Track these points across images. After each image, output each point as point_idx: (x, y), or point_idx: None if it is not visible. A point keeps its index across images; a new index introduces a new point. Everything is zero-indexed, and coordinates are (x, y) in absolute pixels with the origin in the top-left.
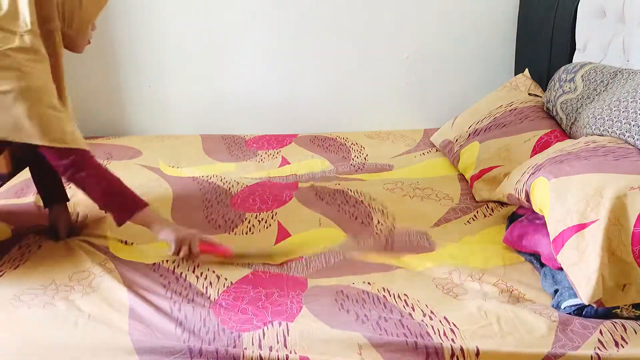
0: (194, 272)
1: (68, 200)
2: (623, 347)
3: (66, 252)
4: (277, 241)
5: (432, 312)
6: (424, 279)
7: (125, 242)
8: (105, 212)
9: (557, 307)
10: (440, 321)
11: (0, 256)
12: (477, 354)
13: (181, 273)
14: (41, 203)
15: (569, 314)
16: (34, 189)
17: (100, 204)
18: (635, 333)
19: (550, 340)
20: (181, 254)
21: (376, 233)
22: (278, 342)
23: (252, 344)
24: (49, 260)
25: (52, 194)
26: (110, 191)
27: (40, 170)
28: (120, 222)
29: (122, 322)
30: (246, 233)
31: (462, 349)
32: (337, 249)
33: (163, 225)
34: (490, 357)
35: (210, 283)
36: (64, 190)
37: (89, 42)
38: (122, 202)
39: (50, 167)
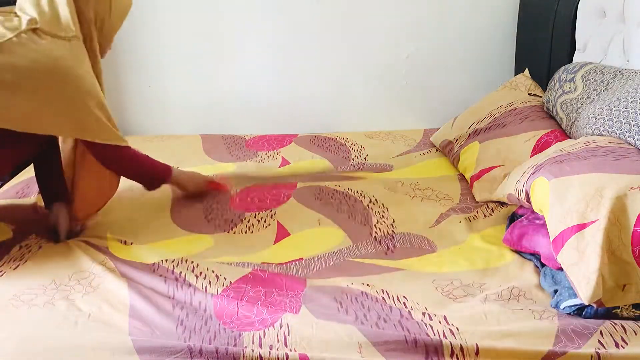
0: (193, 271)
1: (71, 201)
2: (623, 347)
3: (66, 252)
4: (276, 240)
5: (431, 313)
6: (423, 281)
7: (125, 242)
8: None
9: (556, 307)
10: (439, 322)
11: (1, 256)
12: (477, 352)
13: (180, 272)
14: (42, 203)
15: (569, 314)
16: (35, 189)
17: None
18: (635, 334)
19: (550, 340)
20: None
21: (375, 238)
22: (278, 341)
23: (252, 343)
24: (49, 260)
25: (54, 193)
26: (142, 172)
27: (44, 169)
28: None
29: (122, 322)
30: (245, 232)
31: (461, 347)
32: None
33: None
34: (490, 355)
35: (210, 282)
36: (67, 191)
37: (110, 48)
38: (152, 178)
39: (54, 167)
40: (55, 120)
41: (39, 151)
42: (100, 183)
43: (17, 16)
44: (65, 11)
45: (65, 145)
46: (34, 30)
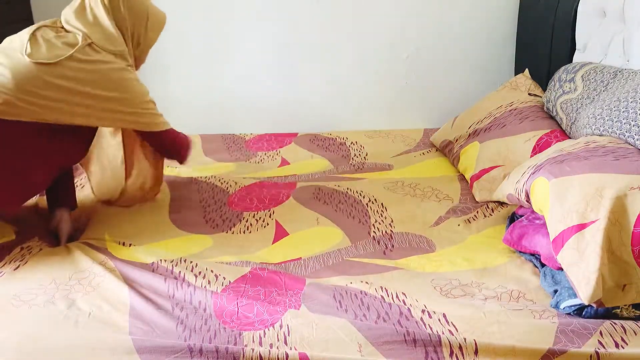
0: (192, 271)
1: (75, 207)
2: (623, 347)
3: (66, 253)
4: (275, 240)
5: (431, 312)
6: (422, 280)
7: (124, 244)
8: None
9: (556, 307)
10: (439, 320)
11: (2, 257)
12: (476, 351)
13: (180, 272)
14: (42, 204)
15: (569, 314)
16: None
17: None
18: (635, 334)
19: (549, 340)
20: None
21: (373, 238)
22: (278, 340)
23: (253, 342)
24: (49, 261)
25: (59, 198)
26: (180, 148)
27: None
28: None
29: (122, 321)
30: (244, 232)
31: (460, 346)
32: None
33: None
34: (489, 354)
35: (209, 282)
36: (73, 197)
37: (144, 61)
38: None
39: (63, 171)
40: (119, 117)
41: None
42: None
43: (67, 31)
44: (110, 27)
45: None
46: (90, 45)
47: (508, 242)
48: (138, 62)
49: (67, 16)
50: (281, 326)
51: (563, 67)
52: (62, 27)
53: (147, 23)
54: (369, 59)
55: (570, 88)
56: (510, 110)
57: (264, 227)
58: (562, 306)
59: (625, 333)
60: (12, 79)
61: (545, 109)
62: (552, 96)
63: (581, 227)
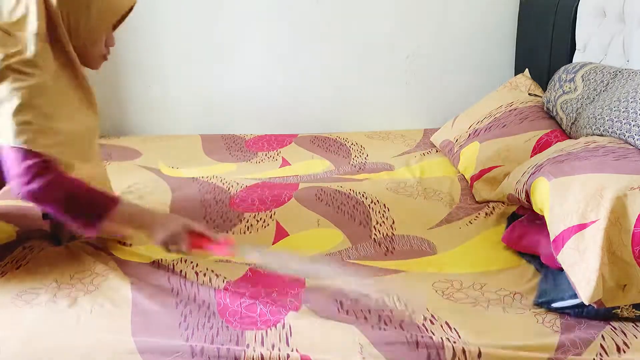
0: (193, 269)
1: None
2: (624, 352)
3: (68, 253)
4: (275, 241)
5: (432, 316)
6: (423, 283)
7: (124, 244)
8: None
9: (555, 306)
10: (441, 325)
11: (3, 256)
12: (479, 355)
13: (181, 271)
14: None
15: (568, 314)
16: None
17: (65, 215)
18: (636, 337)
19: (553, 344)
20: (172, 252)
21: (374, 240)
22: (280, 341)
23: (254, 342)
24: (51, 260)
25: None
26: (74, 199)
27: None
28: (91, 229)
29: (124, 321)
30: (244, 232)
31: (463, 350)
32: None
33: (142, 230)
34: (492, 357)
35: (210, 281)
36: None
37: (105, 58)
38: (89, 208)
39: None
40: None
41: None
42: None
43: None
44: (33, 13)
45: None
46: None
47: (507, 242)
48: (84, 55)
49: None
50: (283, 326)
51: (563, 67)
52: None
53: (88, 5)
54: (369, 59)
55: (570, 88)
56: (510, 110)
57: (265, 227)
58: (561, 306)
59: (627, 337)
60: None
61: (545, 109)
62: (552, 96)
63: (581, 227)
